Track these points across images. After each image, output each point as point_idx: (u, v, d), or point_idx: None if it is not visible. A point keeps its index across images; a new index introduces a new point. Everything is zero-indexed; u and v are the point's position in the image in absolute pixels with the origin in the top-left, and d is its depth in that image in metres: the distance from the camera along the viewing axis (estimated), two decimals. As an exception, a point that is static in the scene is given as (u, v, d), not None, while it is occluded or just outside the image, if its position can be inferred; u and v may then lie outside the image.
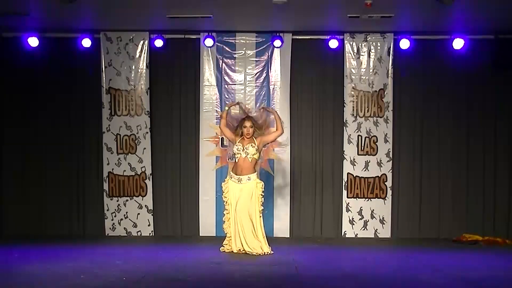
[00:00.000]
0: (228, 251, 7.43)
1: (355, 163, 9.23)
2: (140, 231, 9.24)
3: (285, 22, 8.85)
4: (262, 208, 7.49)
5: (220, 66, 9.28)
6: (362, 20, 8.47)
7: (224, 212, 7.58)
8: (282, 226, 9.22)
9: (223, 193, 7.55)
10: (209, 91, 9.29)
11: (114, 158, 9.24)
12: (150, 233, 9.23)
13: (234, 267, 6.34)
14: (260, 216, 7.41)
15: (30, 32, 8.94)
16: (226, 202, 7.50)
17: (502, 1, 7.67)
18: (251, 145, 7.41)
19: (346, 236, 9.21)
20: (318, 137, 9.43)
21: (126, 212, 9.24)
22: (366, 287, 5.53)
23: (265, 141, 7.61)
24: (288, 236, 9.22)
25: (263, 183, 7.53)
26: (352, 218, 9.23)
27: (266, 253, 7.24)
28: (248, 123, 7.44)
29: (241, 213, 7.31)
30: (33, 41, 9.00)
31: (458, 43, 8.99)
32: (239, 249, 7.32)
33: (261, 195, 7.43)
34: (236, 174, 7.43)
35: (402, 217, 9.32)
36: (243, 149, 7.41)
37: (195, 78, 9.34)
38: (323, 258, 7.24)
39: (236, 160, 7.51)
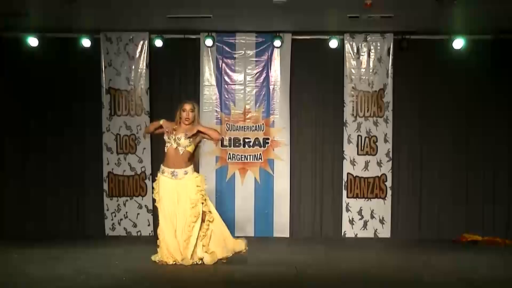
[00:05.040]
0: (160, 261, 6.31)
1: (355, 163, 9.23)
2: (140, 231, 9.24)
3: (285, 22, 8.85)
4: (204, 203, 6.26)
5: (220, 66, 9.28)
6: (362, 20, 8.47)
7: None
8: (282, 226, 9.22)
9: (154, 192, 6.46)
10: (209, 91, 9.29)
11: (114, 158, 9.25)
12: (150, 233, 9.22)
13: (234, 267, 6.33)
14: (211, 213, 6.30)
15: (30, 32, 8.95)
16: (158, 202, 6.36)
17: (502, 1, 7.67)
18: (185, 134, 6.33)
19: (346, 236, 9.21)
20: (318, 137, 9.43)
21: (126, 212, 9.25)
22: (366, 287, 5.53)
23: (203, 135, 6.44)
24: (288, 236, 9.22)
25: (202, 176, 6.46)
26: (352, 218, 9.23)
27: (242, 251, 6.39)
28: (188, 106, 6.43)
29: (181, 216, 6.23)
30: (33, 41, 9.01)
31: (458, 43, 8.99)
32: (175, 261, 6.24)
33: (202, 190, 6.28)
34: (169, 167, 6.33)
35: (402, 217, 9.33)
36: (175, 139, 6.34)
37: (195, 78, 9.35)
38: (323, 258, 7.24)
39: (166, 150, 6.38)
